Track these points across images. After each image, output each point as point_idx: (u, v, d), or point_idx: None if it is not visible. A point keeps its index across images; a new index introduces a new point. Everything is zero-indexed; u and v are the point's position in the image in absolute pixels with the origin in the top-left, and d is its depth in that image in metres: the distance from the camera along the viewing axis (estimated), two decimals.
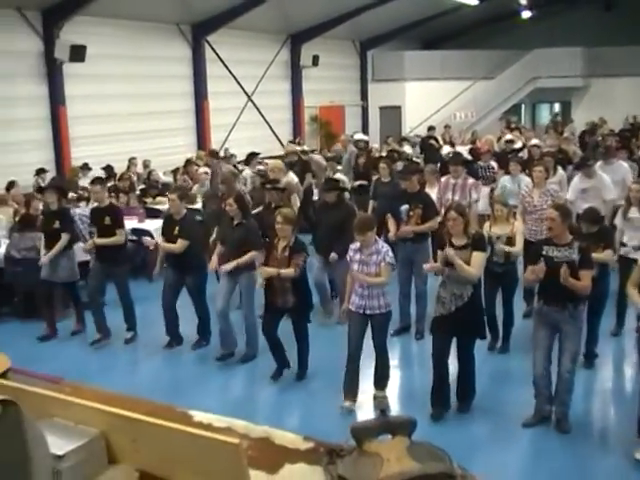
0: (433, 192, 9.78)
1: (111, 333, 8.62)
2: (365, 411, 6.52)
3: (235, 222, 7.71)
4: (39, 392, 2.55)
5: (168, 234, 8.12)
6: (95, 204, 8.91)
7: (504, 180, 10.47)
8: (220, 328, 7.78)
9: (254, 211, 10.12)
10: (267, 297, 7.12)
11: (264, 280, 7.08)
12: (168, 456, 2.33)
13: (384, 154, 16.32)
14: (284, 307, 7.05)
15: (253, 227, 7.85)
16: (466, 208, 7.30)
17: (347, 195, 11.19)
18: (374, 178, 11.51)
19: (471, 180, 9.95)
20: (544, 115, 30.68)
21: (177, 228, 8.01)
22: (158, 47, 18.01)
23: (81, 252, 9.17)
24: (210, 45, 19.66)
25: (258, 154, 14.93)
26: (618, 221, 8.25)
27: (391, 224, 8.69)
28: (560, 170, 10.98)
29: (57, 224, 8.51)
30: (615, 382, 7.60)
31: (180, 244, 7.96)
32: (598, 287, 6.75)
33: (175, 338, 8.39)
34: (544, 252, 6.06)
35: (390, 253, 6.51)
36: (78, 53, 15.12)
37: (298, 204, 10.66)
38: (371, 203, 10.77)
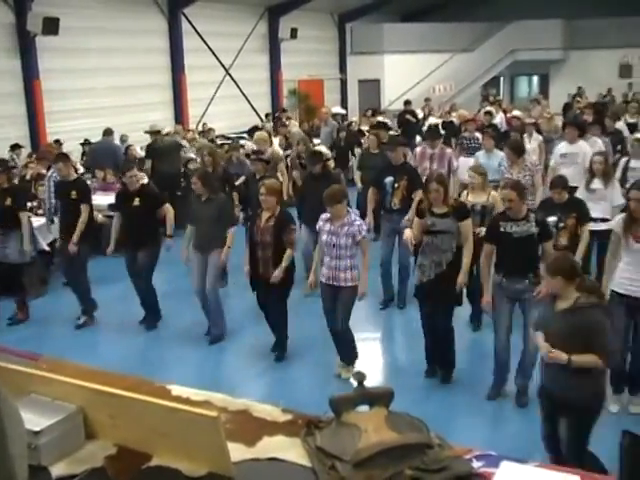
0: None
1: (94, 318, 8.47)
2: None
3: (203, 199, 7.63)
4: (16, 369, 2.53)
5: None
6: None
7: (479, 155, 10.51)
8: (203, 308, 7.74)
9: (237, 182, 10.12)
10: (251, 269, 7.09)
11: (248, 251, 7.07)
12: (146, 430, 2.33)
13: (364, 127, 16.31)
14: (265, 278, 7.00)
15: (223, 202, 7.78)
16: (445, 177, 7.34)
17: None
18: (358, 151, 11.56)
19: (449, 150, 10.06)
20: (523, 88, 30.72)
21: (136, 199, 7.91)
22: (133, 19, 17.69)
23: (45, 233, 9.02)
24: (186, 17, 19.40)
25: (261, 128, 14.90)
26: (580, 192, 8.28)
27: (372, 194, 8.73)
28: (535, 134, 11.16)
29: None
30: None
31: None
32: None
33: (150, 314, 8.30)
34: (502, 228, 6.09)
35: (364, 226, 6.53)
36: (51, 25, 14.83)
37: (286, 175, 10.65)
38: (357, 174, 10.80)
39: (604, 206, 8.24)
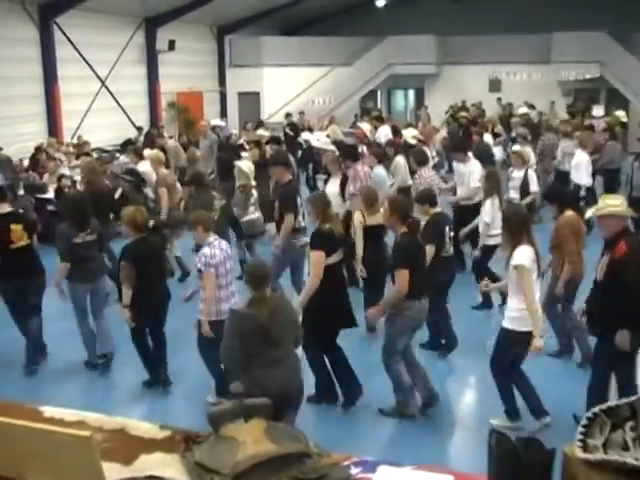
0: (336, 182, 9.79)
1: None
2: None
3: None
4: None
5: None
6: None
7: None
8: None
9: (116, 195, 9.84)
10: None
11: None
12: (17, 454, 2.24)
13: (242, 141, 16.32)
14: None
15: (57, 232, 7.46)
16: (319, 197, 7.33)
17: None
18: (238, 164, 11.44)
19: (363, 167, 10.09)
20: (399, 101, 31.56)
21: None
22: (0, 27, 16.95)
23: None
24: (59, 27, 18.77)
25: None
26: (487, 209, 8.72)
27: None
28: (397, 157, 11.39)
29: None
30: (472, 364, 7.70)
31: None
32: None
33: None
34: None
35: (203, 259, 6.38)
36: None
37: (165, 195, 10.37)
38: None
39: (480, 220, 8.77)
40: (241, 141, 17.21)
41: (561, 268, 7.15)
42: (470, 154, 10.69)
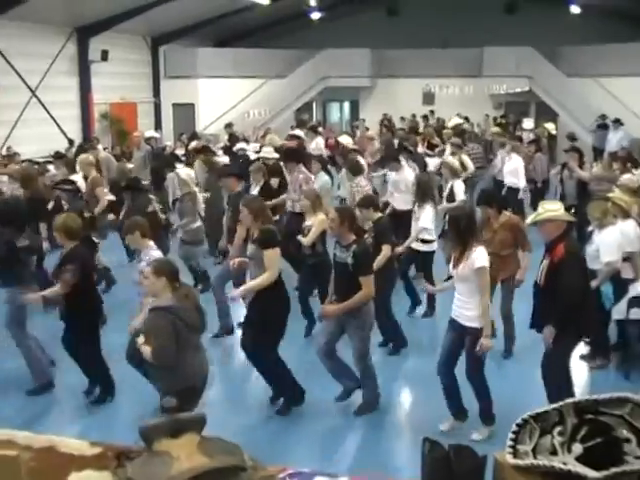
0: (256, 189, 9.90)
1: None
2: None
3: None
4: None
5: None
6: None
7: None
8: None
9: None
10: None
11: None
12: None
13: (179, 152, 16.19)
14: None
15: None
16: (255, 201, 7.37)
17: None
18: (170, 175, 11.40)
19: (302, 175, 10.22)
20: (335, 113, 31.80)
21: None
22: None
23: None
24: None
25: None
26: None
27: None
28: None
29: None
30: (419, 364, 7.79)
31: None
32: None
33: None
34: (334, 251, 6.35)
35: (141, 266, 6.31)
36: None
37: (104, 197, 10.27)
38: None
39: (414, 226, 8.89)
40: (178, 152, 17.11)
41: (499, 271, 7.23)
42: (403, 162, 10.95)
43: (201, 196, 10.71)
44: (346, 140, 14.72)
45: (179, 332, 5.00)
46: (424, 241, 8.87)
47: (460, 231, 5.81)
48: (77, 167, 11.31)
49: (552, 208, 5.88)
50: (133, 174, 12.23)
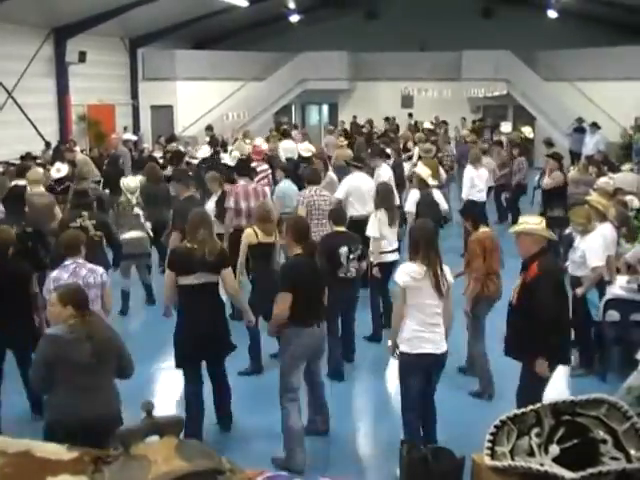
0: (213, 199, 9.74)
1: None
2: None
3: None
4: None
5: None
6: None
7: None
8: None
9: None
10: None
11: None
12: None
13: (157, 154, 16.11)
14: None
15: None
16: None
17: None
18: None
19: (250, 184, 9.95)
20: (313, 116, 31.80)
21: None
22: None
23: None
24: None
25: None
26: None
27: None
28: (329, 173, 11.68)
29: None
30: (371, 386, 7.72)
31: None
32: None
33: None
34: None
35: (92, 279, 6.10)
36: None
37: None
38: None
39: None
40: (155, 154, 17.02)
41: (468, 286, 7.09)
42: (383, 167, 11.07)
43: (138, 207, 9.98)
44: (304, 147, 14.19)
45: (56, 365, 4.52)
46: (382, 252, 8.44)
47: (412, 243, 5.57)
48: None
49: (532, 221, 5.61)
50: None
